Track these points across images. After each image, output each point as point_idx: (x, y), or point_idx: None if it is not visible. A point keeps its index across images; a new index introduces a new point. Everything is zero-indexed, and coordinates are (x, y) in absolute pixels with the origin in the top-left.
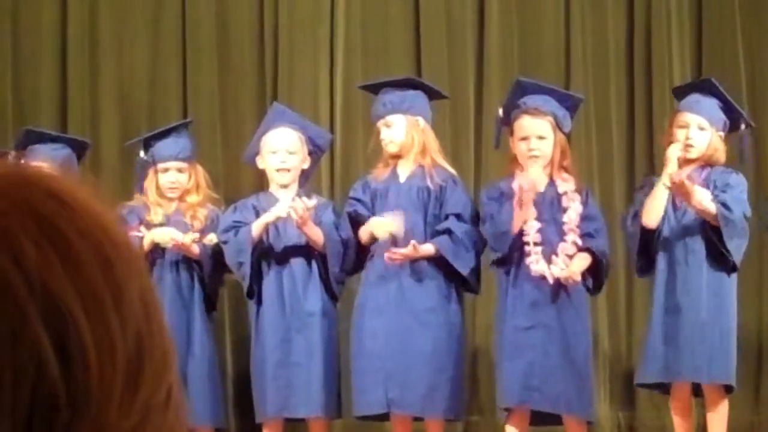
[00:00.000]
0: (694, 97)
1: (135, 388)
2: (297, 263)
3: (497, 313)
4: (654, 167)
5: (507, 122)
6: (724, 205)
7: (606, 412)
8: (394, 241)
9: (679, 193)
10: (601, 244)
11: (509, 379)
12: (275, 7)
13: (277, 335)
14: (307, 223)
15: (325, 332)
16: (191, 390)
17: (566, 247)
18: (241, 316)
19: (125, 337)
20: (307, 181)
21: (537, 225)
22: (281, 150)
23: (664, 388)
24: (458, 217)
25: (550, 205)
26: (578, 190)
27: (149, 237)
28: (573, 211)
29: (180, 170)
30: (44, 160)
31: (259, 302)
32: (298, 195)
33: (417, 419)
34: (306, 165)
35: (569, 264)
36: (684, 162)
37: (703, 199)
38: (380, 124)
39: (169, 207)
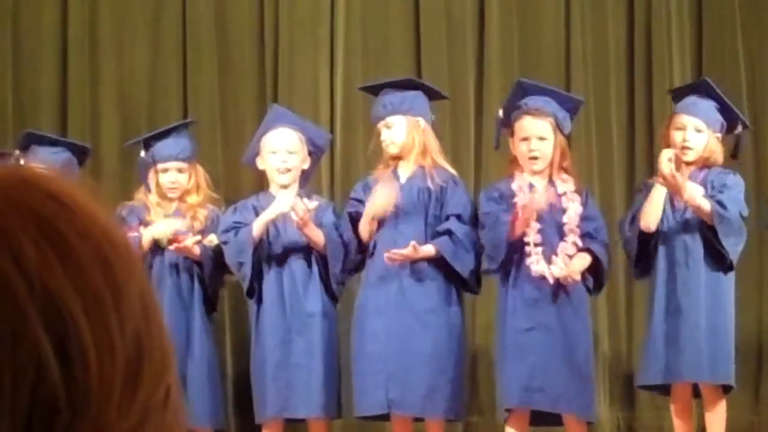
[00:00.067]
0: (691, 99)
1: (134, 388)
2: (297, 264)
3: (497, 314)
4: (654, 169)
5: (507, 123)
6: (720, 203)
7: (606, 413)
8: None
9: (670, 186)
10: (600, 244)
11: (511, 380)
12: (275, 7)
13: (277, 336)
14: (308, 224)
15: (325, 333)
16: (191, 391)
17: (566, 247)
18: (241, 316)
19: (124, 338)
20: (307, 181)
21: (537, 226)
22: (281, 150)
23: (664, 390)
24: (459, 217)
25: (549, 206)
26: (578, 191)
27: (148, 234)
28: (573, 211)
29: (180, 170)
30: (44, 163)
31: (259, 302)
32: (299, 196)
33: (417, 419)
34: (306, 165)
35: (569, 264)
36: (679, 163)
37: (696, 195)
38: (380, 125)
39: (170, 207)
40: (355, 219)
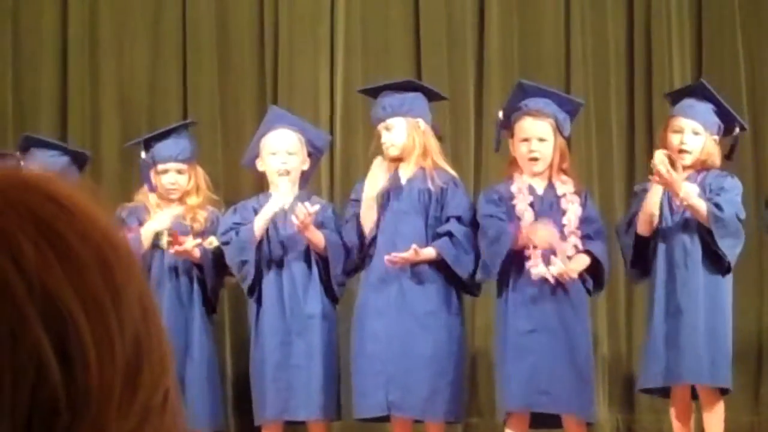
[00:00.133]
0: (688, 102)
1: (134, 390)
2: (297, 266)
3: (497, 316)
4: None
5: (507, 125)
6: (717, 206)
7: (605, 415)
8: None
9: (665, 184)
10: (599, 245)
11: (513, 382)
12: (275, 7)
13: (277, 337)
14: (309, 227)
15: (325, 335)
16: (190, 393)
17: (565, 248)
18: (240, 317)
19: (124, 340)
20: (306, 183)
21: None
22: (281, 151)
23: (664, 393)
24: (459, 219)
25: (549, 208)
26: (577, 192)
27: (148, 230)
28: (572, 213)
29: (179, 171)
30: (43, 167)
31: (259, 304)
32: (300, 200)
33: (417, 421)
34: (306, 166)
35: (568, 264)
36: (673, 163)
37: (691, 195)
38: (380, 127)
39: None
40: (359, 220)
